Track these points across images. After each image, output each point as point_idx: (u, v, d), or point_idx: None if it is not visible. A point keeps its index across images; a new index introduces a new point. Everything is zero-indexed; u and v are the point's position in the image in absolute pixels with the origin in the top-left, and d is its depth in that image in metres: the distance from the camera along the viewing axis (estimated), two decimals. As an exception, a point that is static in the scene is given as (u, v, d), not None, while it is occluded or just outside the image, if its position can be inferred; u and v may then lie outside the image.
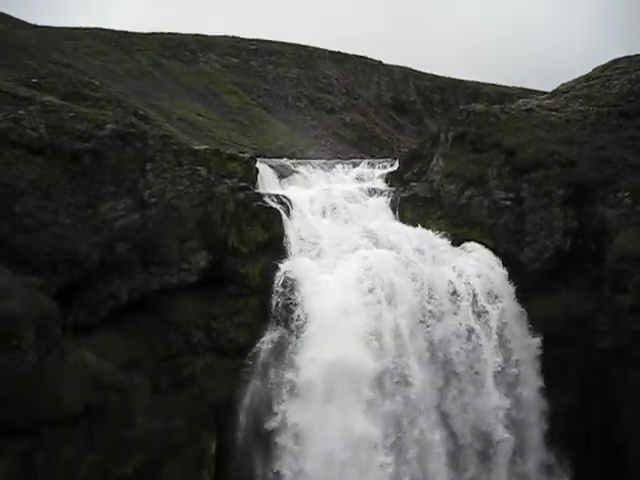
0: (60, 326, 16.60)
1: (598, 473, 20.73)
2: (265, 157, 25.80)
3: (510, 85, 58.58)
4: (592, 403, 20.99)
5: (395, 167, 26.39)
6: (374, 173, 26.19)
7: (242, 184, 21.55)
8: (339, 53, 51.72)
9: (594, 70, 28.79)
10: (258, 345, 19.65)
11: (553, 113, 25.40)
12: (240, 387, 19.33)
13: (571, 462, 20.43)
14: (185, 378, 19.44)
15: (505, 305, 20.85)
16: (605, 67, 28.32)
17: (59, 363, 16.36)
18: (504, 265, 21.39)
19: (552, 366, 20.49)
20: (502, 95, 52.65)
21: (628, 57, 28.54)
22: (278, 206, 21.61)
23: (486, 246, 21.93)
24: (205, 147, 22.13)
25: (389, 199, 23.62)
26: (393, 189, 24.30)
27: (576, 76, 29.30)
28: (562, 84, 29.11)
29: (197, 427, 18.83)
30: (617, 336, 20.27)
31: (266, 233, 21.14)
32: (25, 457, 15.43)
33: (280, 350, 19.42)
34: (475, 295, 20.64)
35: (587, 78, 28.15)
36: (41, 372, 15.84)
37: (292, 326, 19.56)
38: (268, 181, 23.27)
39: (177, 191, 19.99)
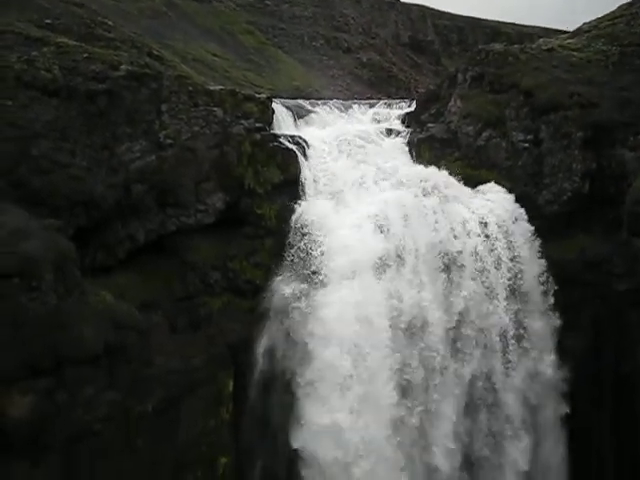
0: (78, 267, 16.73)
1: (608, 416, 21.00)
2: (281, 97, 25.55)
3: (531, 25, 57.35)
4: (606, 345, 21.13)
5: (412, 108, 26.08)
6: (391, 114, 25.90)
7: (258, 125, 21.40)
8: (356, -9, 50.69)
9: (619, 8, 27.98)
10: (274, 285, 19.78)
11: (574, 53, 24.83)
12: (257, 327, 19.55)
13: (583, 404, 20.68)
14: (202, 318, 19.69)
15: (521, 247, 20.82)
16: (630, 4, 27.51)
17: (78, 304, 16.56)
18: (521, 207, 21.29)
19: (567, 308, 20.56)
20: (522, 35, 51.48)
21: (656, -7, 27.72)
22: (294, 147, 21.52)
23: (503, 188, 21.81)
24: (221, 87, 21.94)
25: (406, 140, 23.44)
26: (410, 130, 24.08)
27: (600, 14, 28.61)
28: (585, 23, 28.35)
29: (214, 366, 19.13)
30: (633, 279, 20.28)
31: (282, 174, 21.11)
32: (48, 395, 15.72)
33: (297, 290, 19.53)
34: (491, 236, 20.62)
35: (611, 16, 27.38)
36: (61, 312, 16.04)
37: (309, 266, 19.65)
38: (284, 122, 23.07)
39: (193, 132, 19.92)
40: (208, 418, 18.83)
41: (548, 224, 21.46)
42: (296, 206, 20.53)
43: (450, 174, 21.86)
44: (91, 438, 16.41)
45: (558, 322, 20.70)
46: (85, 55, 18.67)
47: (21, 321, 15.49)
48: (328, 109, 25.14)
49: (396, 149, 23.16)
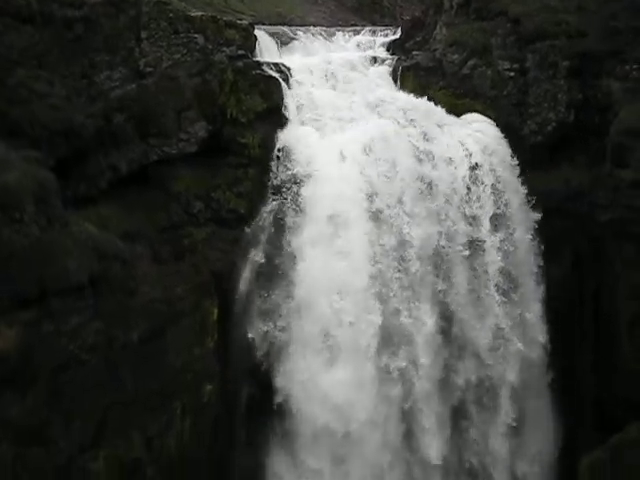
0: (60, 198, 16.66)
1: (590, 345, 21.52)
2: (263, 24, 25.05)
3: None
4: (586, 276, 21.48)
5: (397, 35, 25.64)
6: (375, 41, 25.46)
7: (240, 52, 21.02)
8: None
9: None
10: (258, 214, 19.85)
11: (564, -20, 24.35)
12: (240, 256, 19.66)
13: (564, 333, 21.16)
14: (186, 248, 19.71)
15: (505, 177, 20.86)
16: None
17: (61, 235, 16.55)
18: (505, 137, 21.24)
19: (550, 239, 20.77)
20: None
21: None
22: (277, 75, 21.18)
23: (488, 118, 21.71)
24: (202, 14, 21.37)
25: (390, 68, 23.12)
26: (395, 58, 23.71)
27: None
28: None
29: (198, 295, 19.29)
30: (615, 210, 20.34)
31: (265, 102, 20.83)
32: (33, 326, 15.85)
33: (280, 218, 19.63)
34: (475, 166, 20.63)
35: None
36: (44, 244, 16.04)
37: (292, 194, 19.68)
38: (267, 49, 22.63)
39: (174, 60, 19.61)
40: (193, 347, 19.01)
41: (532, 155, 21.46)
42: (279, 134, 20.38)
43: (435, 103, 21.74)
44: (77, 368, 16.58)
45: (541, 251, 20.91)
46: (60, -20, 18.13)
47: (4, 253, 15.49)
48: (312, 37, 24.69)
49: (380, 77, 22.87)
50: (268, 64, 21.48)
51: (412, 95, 22.01)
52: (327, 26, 29.15)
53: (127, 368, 17.67)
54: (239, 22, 22.04)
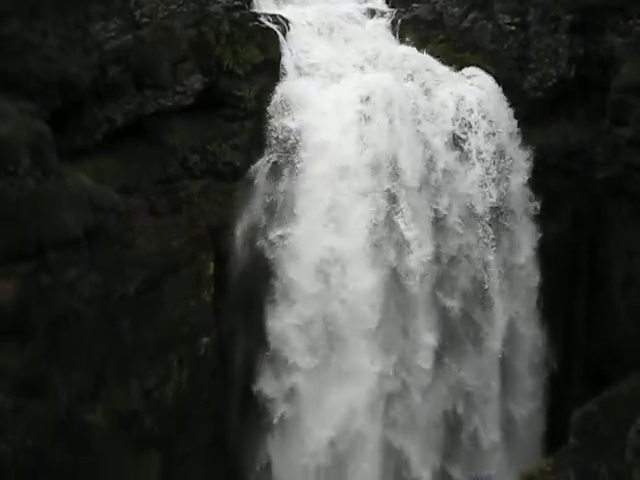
0: (55, 150, 16.60)
1: (584, 302, 21.73)
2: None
3: None
4: (584, 234, 21.59)
5: (397, -13, 25.21)
6: (374, -8, 25.09)
7: (237, 3, 20.69)
8: None
9: None
10: (254, 167, 19.77)
11: None
12: (237, 209, 19.67)
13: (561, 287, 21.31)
14: (182, 201, 19.65)
15: (502, 130, 20.71)
16: None
17: (57, 187, 16.55)
18: (505, 92, 20.98)
19: (547, 197, 20.77)
20: None
21: None
22: (274, 26, 20.88)
23: (487, 72, 21.38)
24: (197, -38, 21.03)
25: (389, 21, 22.72)
26: (394, 11, 23.24)
27: None
28: None
29: (195, 248, 19.35)
30: (613, 168, 20.33)
31: (262, 54, 20.56)
32: (31, 279, 15.99)
33: (277, 172, 19.55)
34: (474, 120, 20.44)
35: None
36: (40, 196, 16.07)
37: (288, 148, 19.54)
38: (264, 0, 22.31)
39: (169, 10, 19.31)
40: (189, 299, 19.17)
41: (532, 110, 21.27)
42: (276, 87, 20.19)
43: (434, 56, 21.46)
44: (75, 320, 16.77)
45: (538, 207, 20.95)
46: None
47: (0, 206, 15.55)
48: (310, -13, 24.28)
49: (379, 30, 22.51)
50: (265, 15, 21.14)
51: (411, 48, 21.70)
52: (325, -23, 28.65)
53: (124, 320, 17.90)
54: (235, -28, 21.66)
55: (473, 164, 20.30)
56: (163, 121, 19.61)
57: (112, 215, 17.82)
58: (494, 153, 20.48)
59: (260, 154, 19.88)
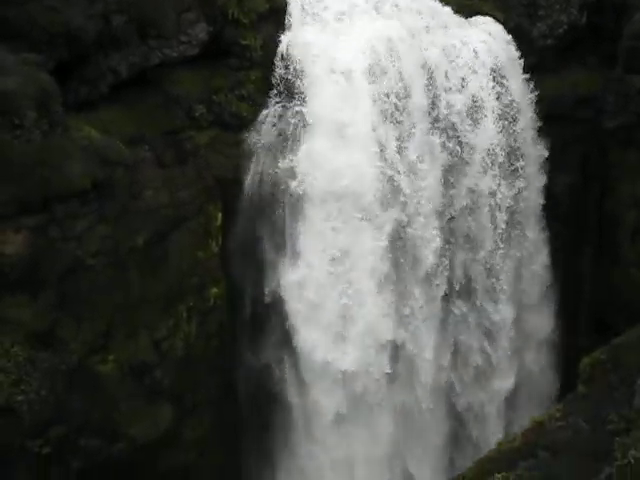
0: (61, 103, 16.47)
1: (592, 250, 21.72)
2: None
3: None
4: (592, 182, 21.51)
5: None
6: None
7: (241, -50, 20.25)
8: None
9: None
10: (261, 118, 19.64)
11: None
12: (244, 159, 19.58)
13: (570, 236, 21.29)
14: (189, 152, 19.55)
15: (512, 80, 20.61)
16: None
17: (63, 140, 16.50)
18: (515, 40, 20.77)
19: (557, 145, 20.62)
20: None
21: None
22: (279, -27, 20.47)
23: (496, 20, 21.11)
24: None
25: (398, -33, 22.30)
26: (401, -45, 22.85)
27: None
28: None
29: (203, 199, 19.34)
30: (623, 117, 20.21)
31: (267, 2, 20.15)
32: (40, 232, 16.09)
33: (284, 122, 19.43)
34: (483, 68, 20.33)
35: None
36: (46, 149, 16.04)
37: (295, 97, 19.40)
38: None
39: (173, -42, 18.89)
40: (197, 251, 19.22)
41: (541, 58, 21.13)
42: (282, 36, 19.89)
43: (444, 3, 21.10)
44: (84, 272, 16.88)
45: (546, 155, 20.86)
46: None
47: (7, 159, 15.49)
48: None
49: None
50: (270, -38, 20.72)
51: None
52: None
53: (133, 272, 17.96)
54: None
55: (481, 111, 20.21)
56: (168, 72, 19.37)
57: (119, 167, 17.69)
58: (502, 101, 20.39)
59: (266, 104, 19.73)
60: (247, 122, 19.82)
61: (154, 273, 18.34)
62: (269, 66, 19.76)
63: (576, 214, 21.63)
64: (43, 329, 16.23)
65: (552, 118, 20.60)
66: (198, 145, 19.67)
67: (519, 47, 20.75)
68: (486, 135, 20.23)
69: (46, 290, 16.24)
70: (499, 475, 7.46)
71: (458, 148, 20.11)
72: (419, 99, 19.62)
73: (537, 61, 20.87)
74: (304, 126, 19.12)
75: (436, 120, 19.96)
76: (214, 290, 19.45)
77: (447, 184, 20.16)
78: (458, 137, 20.14)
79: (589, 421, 8.32)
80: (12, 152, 15.56)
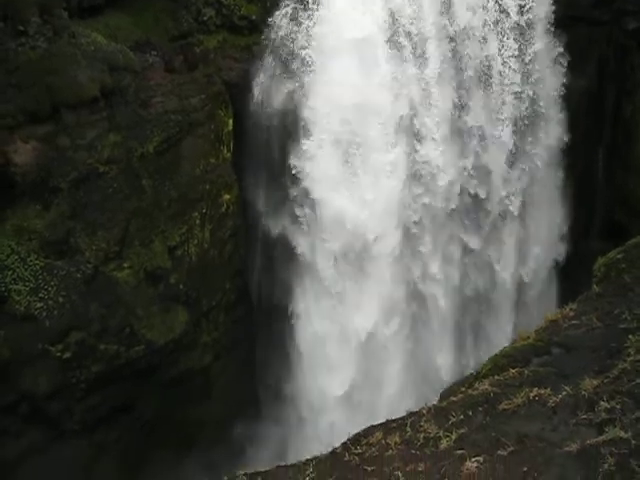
0: (65, 9, 16.11)
1: (606, 148, 21.41)
2: None
3: None
4: (609, 86, 20.94)
5: None
6: None
7: None
8: None
9: None
10: (271, 20, 19.06)
11: None
12: (254, 64, 19.20)
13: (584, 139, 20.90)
14: (198, 57, 19.18)
15: None
16: None
17: (69, 46, 16.22)
18: None
19: (574, 48, 19.95)
20: None
21: None
22: None
23: None
24: None
25: None
26: None
27: None
28: None
29: (213, 105, 19.08)
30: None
31: None
32: (49, 140, 16.01)
33: (294, 25, 18.78)
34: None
35: None
36: (52, 56, 15.83)
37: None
38: None
39: None
40: (209, 157, 19.11)
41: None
42: None
43: None
44: (97, 180, 16.89)
45: (565, 62, 20.23)
46: None
47: (13, 67, 15.28)
48: None
49: None
50: None
51: None
52: None
53: (145, 179, 17.92)
54: None
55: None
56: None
57: (128, 73, 17.42)
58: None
59: (276, 6, 19.11)
60: (257, 24, 19.35)
61: (166, 180, 18.29)
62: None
63: (592, 118, 21.11)
64: (57, 238, 16.35)
65: (570, 20, 19.75)
66: (207, 50, 19.29)
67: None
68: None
69: (58, 199, 16.28)
70: (514, 370, 7.56)
71: None
72: None
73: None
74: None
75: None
76: (227, 196, 19.43)
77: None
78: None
79: (602, 319, 8.34)
80: (18, 60, 15.31)
